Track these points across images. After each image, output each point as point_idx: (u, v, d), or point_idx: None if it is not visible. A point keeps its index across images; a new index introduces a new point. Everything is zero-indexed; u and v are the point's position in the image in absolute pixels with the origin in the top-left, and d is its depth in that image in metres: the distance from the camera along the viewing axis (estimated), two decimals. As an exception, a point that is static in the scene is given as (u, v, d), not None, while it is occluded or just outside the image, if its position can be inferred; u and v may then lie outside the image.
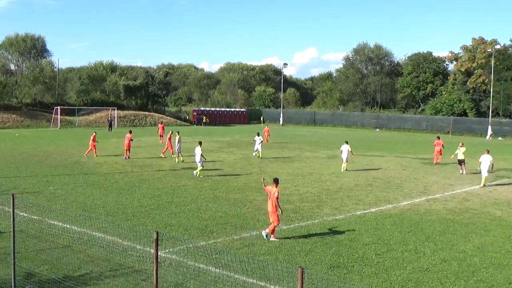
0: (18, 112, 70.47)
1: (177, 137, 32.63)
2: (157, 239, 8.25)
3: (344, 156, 29.59)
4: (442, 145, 33.88)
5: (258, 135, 36.08)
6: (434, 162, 33.88)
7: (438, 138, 35.61)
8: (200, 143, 27.26)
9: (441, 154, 33.92)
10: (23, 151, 36.07)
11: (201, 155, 26.36)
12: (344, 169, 29.39)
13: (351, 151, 29.89)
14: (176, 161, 32.10)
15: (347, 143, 30.03)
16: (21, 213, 14.71)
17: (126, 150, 33.26)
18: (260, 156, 35.23)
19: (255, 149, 36.14)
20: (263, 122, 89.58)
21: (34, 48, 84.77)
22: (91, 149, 34.11)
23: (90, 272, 11.38)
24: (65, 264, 11.76)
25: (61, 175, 25.53)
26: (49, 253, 12.63)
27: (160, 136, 46.21)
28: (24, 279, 10.81)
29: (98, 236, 13.78)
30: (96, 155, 33.86)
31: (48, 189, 21.57)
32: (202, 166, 26.43)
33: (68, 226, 14.86)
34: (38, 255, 12.43)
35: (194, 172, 26.28)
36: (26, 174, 25.74)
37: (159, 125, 48.91)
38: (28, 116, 69.88)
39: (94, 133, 35.35)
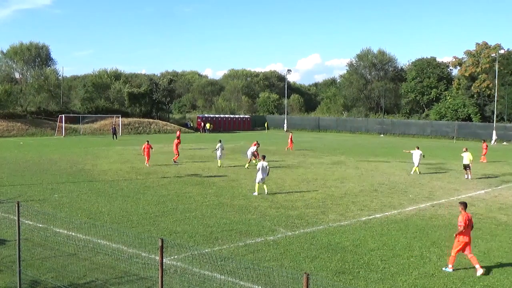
0: (22, 120, 70.69)
1: (254, 146, 34.08)
2: (162, 246, 8.25)
3: (416, 160, 30.95)
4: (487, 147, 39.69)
5: (220, 142, 34.10)
6: (481, 160, 38.65)
7: (484, 141, 41.60)
8: (264, 157, 24.51)
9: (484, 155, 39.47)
10: (28, 159, 36.18)
11: (268, 169, 23.49)
12: (417, 172, 30.91)
13: (423, 155, 31.54)
14: (247, 166, 33.23)
15: (418, 148, 31.70)
16: (26, 221, 14.73)
17: (176, 154, 35.20)
18: (219, 166, 33.05)
19: (217, 158, 33.83)
20: (267, 129, 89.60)
21: (39, 56, 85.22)
22: (177, 154, 35.11)
23: (95, 279, 11.38)
24: (71, 272, 11.77)
25: (66, 183, 25.58)
26: (55, 261, 12.64)
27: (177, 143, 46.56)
28: (29, 287, 10.82)
29: (103, 243, 13.79)
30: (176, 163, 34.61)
31: (53, 197, 21.61)
32: (259, 183, 23.29)
33: (73, 233, 14.89)
34: (44, 263, 12.44)
35: (254, 193, 23.14)
36: (31, 182, 25.81)
37: (177, 132, 49.74)
38: (33, 124, 70.07)
39: (178, 136, 36.53)
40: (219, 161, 33.63)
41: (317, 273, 12.22)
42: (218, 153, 33.71)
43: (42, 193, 22.50)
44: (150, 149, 33.37)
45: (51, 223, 15.73)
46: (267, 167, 23.45)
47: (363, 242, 15.16)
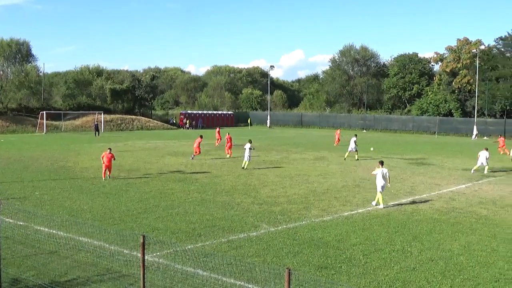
0: (3, 117, 69.82)
1: (354, 138, 37.26)
2: (143, 243, 8.24)
3: (481, 160, 30.65)
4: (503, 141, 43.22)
5: (250, 142, 32.23)
6: (502, 152, 41.86)
7: (500, 136, 45.91)
8: (382, 163, 20.65)
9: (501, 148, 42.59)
10: (8, 157, 35.75)
11: (388, 176, 20.29)
12: (484, 171, 30.54)
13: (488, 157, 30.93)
14: (356, 158, 36.40)
15: (487, 149, 30.97)
16: (6, 219, 14.56)
17: (196, 152, 35.25)
18: (243, 167, 30.62)
19: (245, 159, 31.32)
20: (251, 125, 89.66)
21: (19, 52, 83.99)
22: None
23: (77, 277, 11.31)
24: (52, 270, 11.68)
25: (47, 180, 25.33)
26: (35, 259, 12.52)
27: (218, 139, 46.83)
28: (10, 286, 10.71)
29: (85, 241, 13.70)
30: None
31: (34, 195, 21.38)
32: (381, 192, 20.18)
33: (54, 231, 14.74)
34: (24, 261, 12.32)
35: (373, 202, 20.38)
36: (12, 179, 25.51)
37: (217, 129, 49.96)
38: (14, 121, 69.27)
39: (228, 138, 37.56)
40: (246, 162, 30.65)
41: (300, 268, 12.27)
42: (246, 154, 30.69)
43: (23, 191, 22.25)
44: (112, 159, 26.29)
45: (32, 221, 15.57)
46: (387, 174, 20.28)
47: (345, 237, 15.26)
